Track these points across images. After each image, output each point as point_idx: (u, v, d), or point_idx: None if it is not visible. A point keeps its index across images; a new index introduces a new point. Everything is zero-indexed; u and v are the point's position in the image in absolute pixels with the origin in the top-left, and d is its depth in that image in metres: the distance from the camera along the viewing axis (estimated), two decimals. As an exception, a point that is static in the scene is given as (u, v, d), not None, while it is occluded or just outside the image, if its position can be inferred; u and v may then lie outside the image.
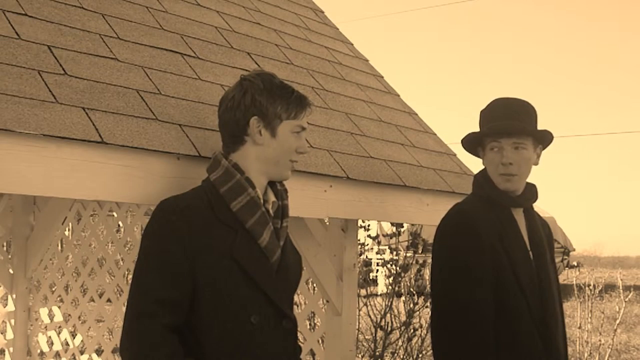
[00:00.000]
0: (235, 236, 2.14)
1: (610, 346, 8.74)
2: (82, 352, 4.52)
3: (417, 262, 6.45)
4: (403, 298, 6.41)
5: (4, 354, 4.49)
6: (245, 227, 2.16)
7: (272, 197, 2.28)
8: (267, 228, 2.19)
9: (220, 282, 2.10)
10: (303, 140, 2.28)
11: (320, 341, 3.73)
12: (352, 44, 4.42)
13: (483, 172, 2.68)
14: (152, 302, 2.04)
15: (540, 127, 2.66)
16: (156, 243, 2.10)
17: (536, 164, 2.65)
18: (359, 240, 4.85)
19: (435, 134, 4.01)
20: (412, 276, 6.55)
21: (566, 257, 18.53)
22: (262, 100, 2.20)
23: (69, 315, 4.68)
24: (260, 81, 2.24)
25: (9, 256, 4.54)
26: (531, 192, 2.68)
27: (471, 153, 2.74)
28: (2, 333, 4.96)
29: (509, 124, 2.57)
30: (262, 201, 2.22)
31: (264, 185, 2.27)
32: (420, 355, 6.36)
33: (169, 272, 2.06)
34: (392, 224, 6.17)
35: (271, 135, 2.22)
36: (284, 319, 2.21)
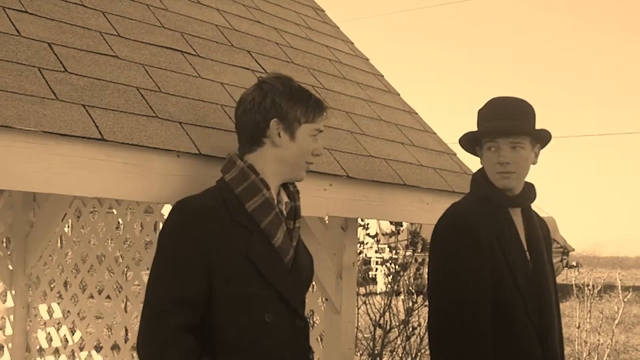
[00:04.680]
0: (250, 236, 2.16)
1: (609, 346, 8.75)
2: (81, 349, 4.52)
3: (416, 260, 6.46)
4: (402, 297, 6.42)
5: (3, 350, 4.50)
6: (260, 227, 2.18)
7: (284, 198, 2.31)
8: (280, 228, 2.22)
9: (235, 281, 2.12)
10: (319, 143, 2.32)
11: (319, 339, 3.74)
12: (352, 43, 4.42)
13: (481, 172, 2.67)
14: (169, 302, 2.06)
15: (539, 127, 2.66)
16: (172, 243, 2.12)
17: (534, 163, 2.65)
18: (359, 238, 4.85)
19: (435, 133, 4.01)
20: (411, 275, 6.56)
21: (565, 257, 18.54)
22: (282, 103, 2.24)
23: (68, 311, 4.68)
24: (280, 84, 2.27)
25: (9, 252, 4.54)
26: (529, 191, 2.67)
27: (469, 152, 2.74)
28: (1, 329, 4.96)
29: (506, 124, 2.57)
30: (275, 202, 2.24)
31: (277, 186, 2.30)
32: (418, 354, 6.37)
33: (185, 272, 2.08)
34: (392, 223, 6.17)
35: (290, 137, 2.25)
36: (297, 318, 2.23)
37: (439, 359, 2.48)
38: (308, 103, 2.28)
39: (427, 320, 2.60)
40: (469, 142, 2.70)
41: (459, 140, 2.71)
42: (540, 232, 2.71)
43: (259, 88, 2.28)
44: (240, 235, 2.15)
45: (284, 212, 2.28)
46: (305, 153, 2.29)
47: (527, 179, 2.67)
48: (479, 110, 2.69)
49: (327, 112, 2.34)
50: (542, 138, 2.65)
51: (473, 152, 2.72)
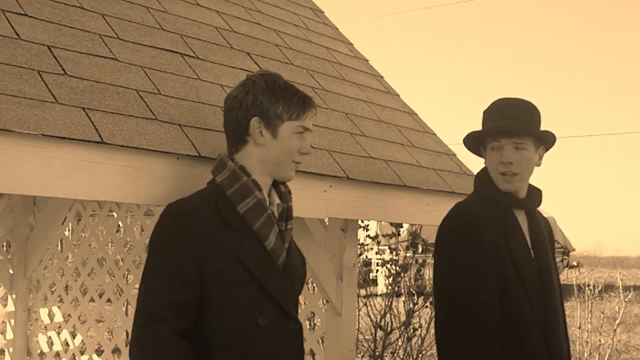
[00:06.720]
0: (241, 239, 2.14)
1: (610, 346, 8.75)
2: (82, 353, 4.52)
3: (416, 262, 6.46)
4: (403, 298, 6.42)
5: (4, 354, 4.49)
6: (251, 229, 2.16)
7: (276, 199, 2.28)
8: (273, 230, 2.19)
9: (227, 284, 2.10)
10: (306, 141, 2.26)
11: (320, 341, 3.73)
12: (352, 44, 4.42)
13: (485, 171, 2.67)
14: (161, 306, 2.04)
15: (544, 128, 2.65)
16: (163, 247, 2.11)
17: (538, 165, 2.64)
18: (359, 240, 4.85)
19: (435, 134, 4.01)
20: (411, 276, 6.55)
21: (566, 257, 18.56)
22: (263, 100, 2.20)
23: (69, 315, 4.68)
24: (264, 81, 2.23)
25: (9, 256, 4.54)
26: (535, 196, 2.67)
27: (473, 152, 2.73)
28: (2, 333, 4.96)
29: (509, 124, 2.57)
30: (268, 203, 2.22)
31: (268, 186, 2.26)
32: (420, 355, 6.36)
33: (176, 276, 2.06)
34: (392, 224, 6.17)
35: (272, 136, 2.21)
36: (290, 321, 2.22)
37: (447, 358, 2.48)
38: (292, 100, 2.22)
39: (433, 319, 2.59)
40: (473, 142, 2.69)
41: (463, 140, 2.71)
42: (545, 230, 2.71)
43: (243, 85, 2.25)
44: (232, 238, 2.13)
45: (276, 214, 2.24)
46: (290, 152, 2.23)
47: (531, 180, 2.66)
48: (484, 111, 2.69)
49: (314, 109, 2.27)
50: (547, 140, 2.64)
51: (477, 152, 2.71)
